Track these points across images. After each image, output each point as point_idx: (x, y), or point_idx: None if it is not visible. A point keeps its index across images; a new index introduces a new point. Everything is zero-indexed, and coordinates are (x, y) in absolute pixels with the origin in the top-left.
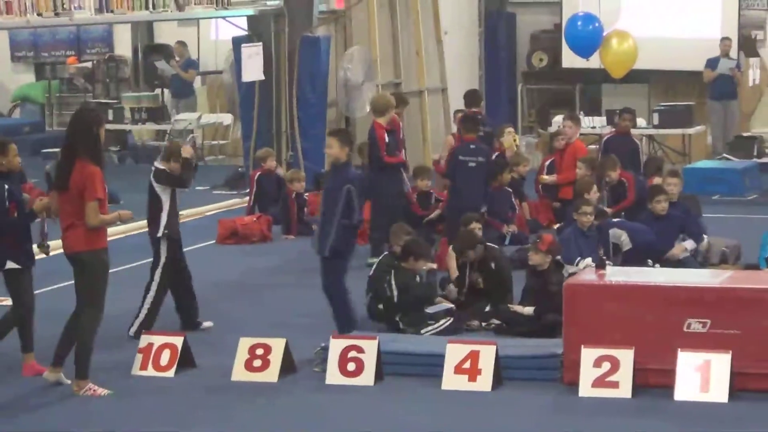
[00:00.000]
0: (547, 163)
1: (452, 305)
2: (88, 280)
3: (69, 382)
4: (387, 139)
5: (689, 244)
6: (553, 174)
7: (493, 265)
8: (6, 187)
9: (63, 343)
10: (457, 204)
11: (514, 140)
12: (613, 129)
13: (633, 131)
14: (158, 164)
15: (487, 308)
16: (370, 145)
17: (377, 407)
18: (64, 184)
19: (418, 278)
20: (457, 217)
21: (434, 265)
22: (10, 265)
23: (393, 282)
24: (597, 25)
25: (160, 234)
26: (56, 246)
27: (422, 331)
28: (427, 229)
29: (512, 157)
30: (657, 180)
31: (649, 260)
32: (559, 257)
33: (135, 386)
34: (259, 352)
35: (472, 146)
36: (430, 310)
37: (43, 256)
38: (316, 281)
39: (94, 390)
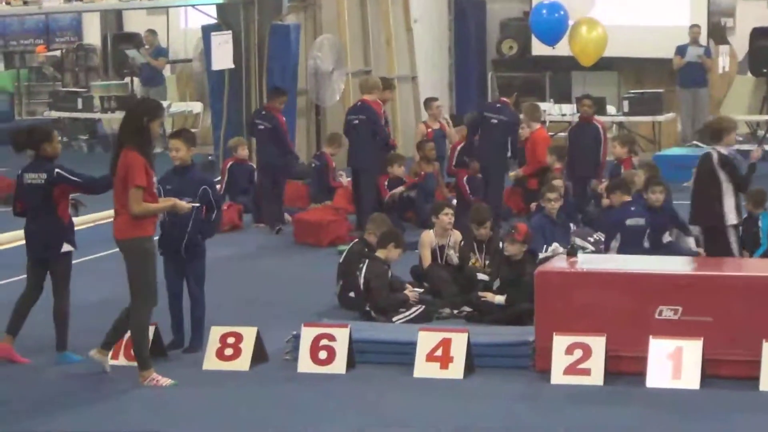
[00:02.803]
0: None
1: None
2: (131, 268)
3: (108, 370)
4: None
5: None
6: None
7: (500, 244)
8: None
9: (113, 330)
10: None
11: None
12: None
13: (603, 119)
14: None
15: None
16: (372, 121)
17: (349, 395)
18: (113, 171)
19: (390, 272)
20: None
21: (416, 296)
22: (66, 248)
23: (363, 271)
24: (562, 13)
25: None
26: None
27: (393, 319)
28: (396, 216)
29: None
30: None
31: (646, 244)
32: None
33: (107, 376)
34: (231, 340)
35: (263, 112)
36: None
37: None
38: (287, 269)
39: (158, 380)
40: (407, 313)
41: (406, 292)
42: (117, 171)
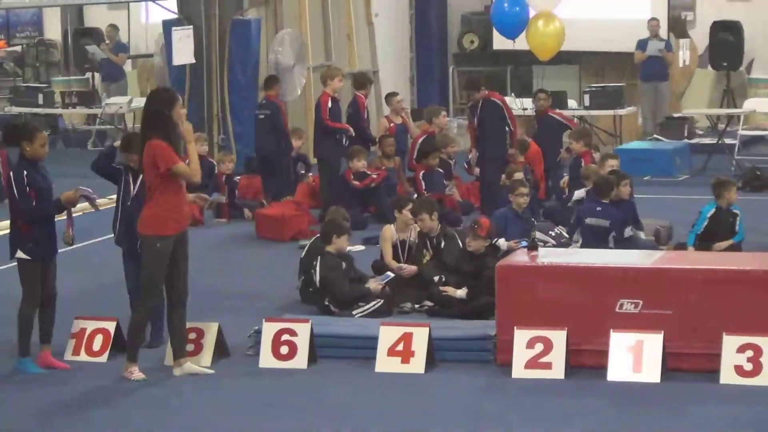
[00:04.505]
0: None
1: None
2: (143, 262)
3: (209, 371)
4: (330, 105)
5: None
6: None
7: (441, 242)
8: (25, 173)
9: (172, 337)
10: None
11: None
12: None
13: (564, 113)
14: None
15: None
16: (318, 113)
17: (310, 390)
18: (140, 166)
19: (344, 264)
20: None
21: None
22: (20, 254)
23: (318, 269)
24: (524, 6)
25: None
26: None
27: (353, 313)
28: (359, 210)
29: (440, 139)
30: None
31: (611, 244)
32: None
33: (67, 371)
34: (192, 336)
35: (263, 101)
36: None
37: (67, 247)
38: (248, 264)
39: (132, 373)
40: (366, 307)
41: (369, 284)
42: (144, 165)
